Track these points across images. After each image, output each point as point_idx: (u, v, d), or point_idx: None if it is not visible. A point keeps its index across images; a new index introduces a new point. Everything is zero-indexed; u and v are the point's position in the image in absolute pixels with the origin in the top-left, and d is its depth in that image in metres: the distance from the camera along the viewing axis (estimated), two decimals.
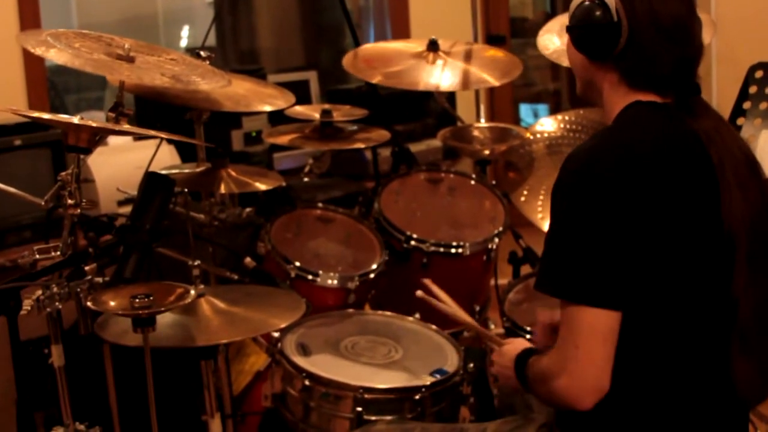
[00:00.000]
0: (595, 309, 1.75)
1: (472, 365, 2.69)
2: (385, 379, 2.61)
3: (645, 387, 1.82)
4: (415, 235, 3.28)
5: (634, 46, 1.84)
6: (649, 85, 1.88)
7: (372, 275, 3.12)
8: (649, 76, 1.87)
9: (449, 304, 2.39)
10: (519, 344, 2.10)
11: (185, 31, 6.41)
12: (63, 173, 2.29)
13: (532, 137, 3.68)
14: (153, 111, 3.39)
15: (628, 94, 1.89)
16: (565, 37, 1.97)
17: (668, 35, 1.83)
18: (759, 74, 2.67)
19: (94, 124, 2.26)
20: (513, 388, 2.08)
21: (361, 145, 3.59)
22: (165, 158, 3.51)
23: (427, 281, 2.46)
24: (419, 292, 2.39)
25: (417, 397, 2.55)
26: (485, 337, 2.41)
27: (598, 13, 1.84)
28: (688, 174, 1.81)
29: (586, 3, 1.87)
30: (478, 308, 3.41)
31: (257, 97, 3.14)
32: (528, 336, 2.89)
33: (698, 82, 1.91)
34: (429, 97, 4.77)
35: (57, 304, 2.21)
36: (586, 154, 1.81)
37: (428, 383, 2.58)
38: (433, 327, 2.92)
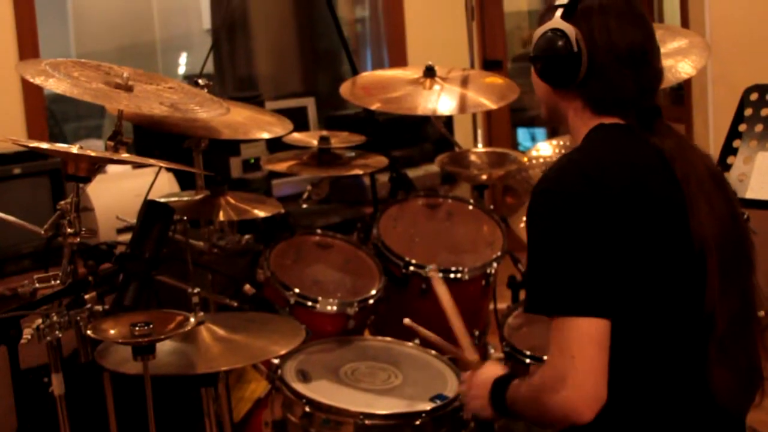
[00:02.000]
0: (587, 318, 1.77)
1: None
2: (386, 405, 2.61)
3: (630, 397, 1.84)
4: (413, 261, 3.28)
5: (595, 74, 1.90)
6: (611, 110, 1.94)
7: (371, 301, 3.12)
8: (611, 101, 1.93)
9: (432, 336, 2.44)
10: (491, 373, 2.12)
11: (183, 59, 6.44)
12: (62, 202, 2.30)
13: (528, 162, 3.69)
14: (151, 139, 3.40)
15: (592, 118, 1.95)
16: None
17: (627, 62, 1.89)
18: (754, 96, 2.68)
19: (93, 154, 2.27)
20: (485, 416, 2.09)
21: (359, 171, 3.60)
22: (164, 186, 3.52)
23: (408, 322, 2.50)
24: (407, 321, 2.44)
25: (417, 422, 2.55)
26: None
27: (559, 43, 1.90)
28: (656, 188, 1.85)
29: (548, 34, 1.92)
30: (477, 333, 3.41)
31: (255, 125, 3.15)
32: (528, 361, 2.89)
33: (659, 105, 1.97)
34: (426, 122, 4.79)
35: (57, 332, 2.21)
36: (554, 174, 1.87)
37: (428, 408, 2.58)
38: (433, 352, 2.92)
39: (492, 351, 3.61)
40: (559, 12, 1.92)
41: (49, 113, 4.56)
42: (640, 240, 1.80)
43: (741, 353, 1.89)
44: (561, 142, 3.70)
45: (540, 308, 1.84)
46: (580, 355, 1.76)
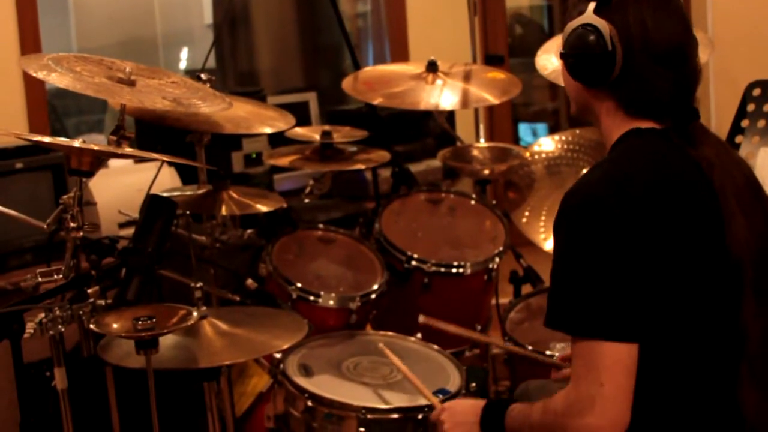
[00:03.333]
0: (617, 343, 1.71)
1: (474, 384, 2.69)
2: (388, 399, 2.61)
3: (656, 418, 1.78)
4: (416, 256, 3.29)
5: (629, 73, 1.81)
6: (646, 113, 1.85)
7: (373, 296, 3.13)
8: (646, 103, 1.84)
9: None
10: (470, 401, 2.09)
11: (184, 53, 6.43)
12: (65, 196, 2.30)
13: (531, 157, 3.69)
14: (153, 133, 3.39)
15: (626, 121, 1.86)
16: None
17: (664, 61, 1.80)
18: (756, 92, 2.68)
19: (96, 148, 2.27)
20: None
21: (362, 166, 3.60)
22: (166, 181, 3.52)
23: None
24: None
25: (420, 416, 2.55)
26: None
27: (591, 39, 1.80)
28: (691, 202, 1.78)
29: (580, 30, 1.83)
30: (479, 328, 3.41)
31: (258, 120, 3.15)
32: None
33: (696, 107, 1.88)
34: (428, 117, 4.79)
35: (60, 326, 2.22)
36: (586, 188, 1.78)
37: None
38: (435, 347, 2.93)
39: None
40: (592, 5, 1.82)
41: (50, 108, 4.55)
42: (675, 257, 1.73)
43: None
44: (563, 138, 3.70)
45: (565, 326, 1.77)
46: (610, 382, 1.70)
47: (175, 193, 3.09)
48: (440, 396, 2.62)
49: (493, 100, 3.54)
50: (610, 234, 1.71)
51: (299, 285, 3.05)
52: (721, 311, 1.78)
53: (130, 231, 2.43)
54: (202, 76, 2.91)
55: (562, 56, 1.90)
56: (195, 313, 2.19)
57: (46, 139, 2.41)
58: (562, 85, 2.00)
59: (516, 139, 6.49)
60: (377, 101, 3.49)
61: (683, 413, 1.80)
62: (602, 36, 1.80)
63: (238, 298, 2.84)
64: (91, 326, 2.11)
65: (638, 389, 1.74)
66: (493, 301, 3.54)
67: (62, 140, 2.33)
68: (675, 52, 1.82)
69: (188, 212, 2.93)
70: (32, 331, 2.17)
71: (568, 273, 1.77)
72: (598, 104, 1.89)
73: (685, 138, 1.84)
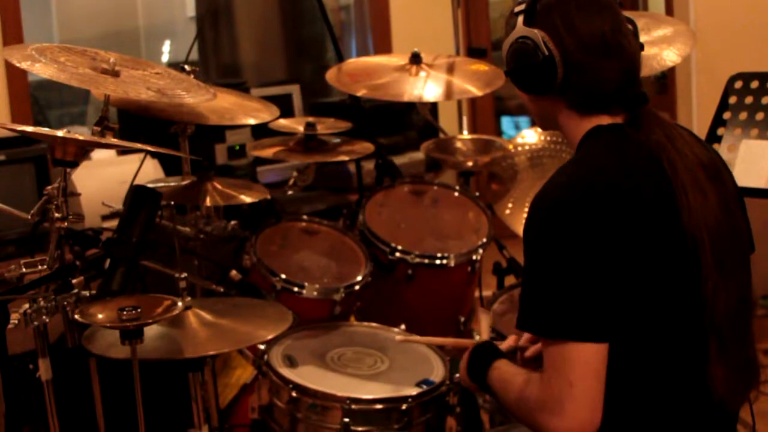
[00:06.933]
0: (586, 344, 1.72)
1: (458, 375, 2.70)
2: (372, 390, 2.62)
3: (629, 408, 1.80)
4: (399, 247, 3.29)
5: (572, 73, 1.85)
6: (597, 108, 1.88)
7: (357, 287, 3.13)
8: (593, 98, 1.88)
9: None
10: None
11: (166, 46, 6.43)
12: (49, 187, 2.30)
13: (514, 149, 3.70)
14: (136, 125, 3.39)
15: (582, 120, 1.90)
16: None
17: (600, 53, 1.84)
18: (738, 84, 2.70)
19: (81, 138, 2.26)
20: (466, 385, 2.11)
21: (345, 158, 3.60)
22: (149, 172, 3.51)
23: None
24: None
25: (404, 407, 2.56)
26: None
27: (527, 50, 1.86)
28: (649, 191, 1.80)
29: (515, 45, 1.88)
30: (462, 319, 3.42)
31: (242, 111, 3.15)
32: None
33: (644, 92, 1.90)
34: (411, 109, 4.79)
35: (44, 317, 2.22)
36: (551, 191, 1.81)
37: (414, 393, 2.60)
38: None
39: (477, 337, 3.62)
40: (520, 19, 1.88)
41: (33, 100, 4.54)
42: (639, 251, 1.75)
43: (740, 347, 1.85)
44: None
45: (536, 329, 1.80)
46: (579, 383, 1.72)
47: (159, 185, 3.08)
48: (423, 387, 2.63)
49: (476, 92, 3.54)
50: (579, 236, 1.73)
51: (283, 276, 3.05)
52: (686, 293, 1.81)
53: (113, 223, 2.43)
54: (186, 67, 2.90)
55: (507, 74, 1.95)
56: (180, 304, 2.19)
57: (31, 129, 2.40)
58: None
59: (498, 132, 6.50)
60: (361, 93, 3.48)
61: (657, 400, 1.81)
62: (537, 44, 1.85)
63: (222, 289, 2.84)
64: (76, 317, 2.11)
65: (611, 382, 1.75)
66: (477, 293, 3.55)
67: (47, 130, 2.32)
68: (608, 41, 1.84)
69: (172, 203, 2.92)
70: (16, 321, 2.17)
71: (537, 275, 1.79)
72: (553, 111, 1.94)
73: (636, 127, 1.87)
